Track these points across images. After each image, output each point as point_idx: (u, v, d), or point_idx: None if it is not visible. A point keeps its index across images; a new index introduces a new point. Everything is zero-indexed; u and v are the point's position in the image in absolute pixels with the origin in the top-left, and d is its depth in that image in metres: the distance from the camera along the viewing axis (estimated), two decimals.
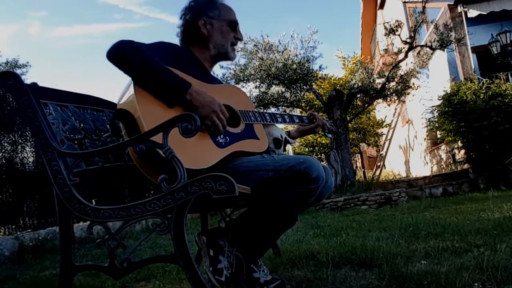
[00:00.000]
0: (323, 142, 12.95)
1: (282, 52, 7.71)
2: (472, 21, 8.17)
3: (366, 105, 8.86)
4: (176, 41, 1.53)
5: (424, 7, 7.49)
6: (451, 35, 7.37)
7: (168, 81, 1.19)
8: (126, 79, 1.24)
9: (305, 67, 7.52)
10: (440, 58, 8.98)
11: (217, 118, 1.22)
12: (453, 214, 3.40)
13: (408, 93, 8.57)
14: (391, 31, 7.42)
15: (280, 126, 1.63)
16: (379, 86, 7.79)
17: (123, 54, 1.18)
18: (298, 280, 1.55)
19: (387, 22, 8.08)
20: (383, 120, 13.26)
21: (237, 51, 8.79)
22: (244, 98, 1.53)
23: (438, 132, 8.42)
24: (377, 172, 12.09)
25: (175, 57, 1.35)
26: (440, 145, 9.66)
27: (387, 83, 7.84)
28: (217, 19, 1.45)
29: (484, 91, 6.60)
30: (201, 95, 1.22)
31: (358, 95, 8.27)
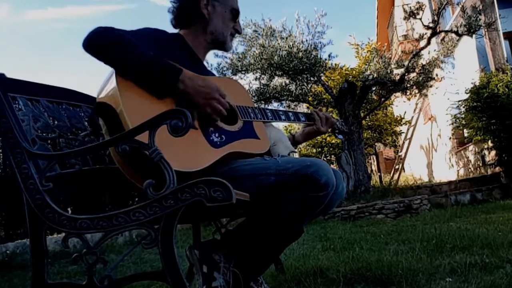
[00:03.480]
0: (333, 142, 12.95)
1: (286, 38, 7.70)
2: (504, 3, 8.17)
3: (382, 99, 8.86)
4: (165, 26, 1.54)
5: None
6: (480, 19, 7.36)
7: (156, 68, 1.19)
8: (108, 70, 1.24)
9: (312, 56, 7.51)
10: (467, 46, 8.98)
11: (218, 103, 1.24)
12: (482, 225, 3.40)
13: (431, 86, 8.57)
14: (411, 14, 7.42)
15: (280, 125, 1.63)
16: (398, 77, 7.79)
17: (102, 43, 1.19)
18: None
19: (407, 4, 8.08)
20: (402, 116, 13.26)
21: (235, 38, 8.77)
22: (242, 92, 1.53)
23: (465, 131, 8.42)
24: (395, 176, 12.10)
25: (163, 45, 1.36)
26: (467, 145, 9.66)
27: (406, 74, 7.84)
28: (221, 2, 1.49)
29: None
30: (195, 81, 1.23)
31: (374, 88, 8.27)
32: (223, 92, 1.27)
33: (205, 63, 1.60)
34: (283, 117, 1.59)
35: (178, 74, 1.21)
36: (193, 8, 1.47)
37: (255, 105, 1.55)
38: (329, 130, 1.74)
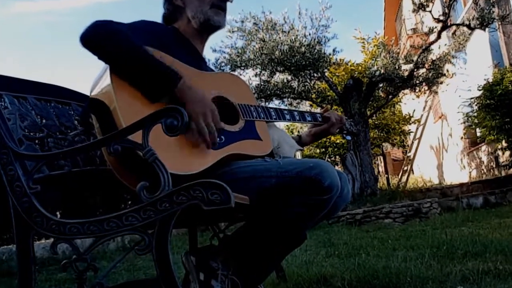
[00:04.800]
0: (338, 142, 12.95)
1: (288, 32, 7.71)
2: None
3: (390, 96, 8.87)
4: (159, 19, 1.55)
5: None
6: (493, 12, 7.36)
7: (154, 71, 1.20)
8: (101, 65, 1.24)
9: (315, 51, 7.51)
10: (480, 40, 8.98)
11: (206, 121, 1.21)
12: (496, 230, 3.41)
13: (441, 82, 8.57)
14: (420, 6, 7.42)
15: (281, 125, 1.63)
16: (406, 73, 7.80)
17: (100, 38, 1.20)
18: None
19: None
20: (411, 115, 13.26)
21: (233, 31, 8.73)
22: (245, 89, 1.53)
23: (477, 130, 8.42)
24: (404, 178, 12.09)
25: (160, 39, 1.36)
26: (480, 145, 9.67)
27: (415, 69, 7.84)
28: None
29: None
30: (193, 90, 1.23)
31: (381, 85, 8.28)
32: (217, 115, 1.24)
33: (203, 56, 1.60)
34: (288, 116, 1.58)
35: (176, 81, 1.20)
36: (170, 5, 1.51)
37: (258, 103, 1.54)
38: (337, 131, 1.74)
